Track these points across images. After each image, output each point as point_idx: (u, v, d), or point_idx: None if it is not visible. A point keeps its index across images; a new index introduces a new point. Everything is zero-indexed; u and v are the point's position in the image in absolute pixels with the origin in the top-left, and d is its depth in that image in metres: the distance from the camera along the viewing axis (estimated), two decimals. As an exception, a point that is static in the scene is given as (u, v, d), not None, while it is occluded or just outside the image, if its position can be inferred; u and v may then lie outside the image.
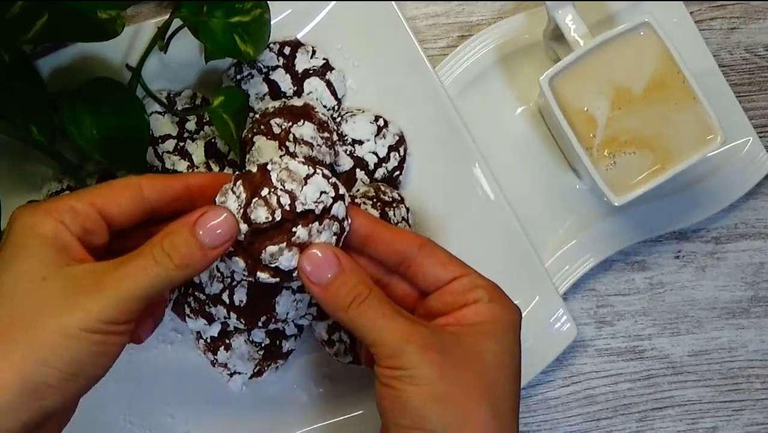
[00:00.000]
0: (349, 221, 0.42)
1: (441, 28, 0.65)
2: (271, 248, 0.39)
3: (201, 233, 0.38)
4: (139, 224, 0.42)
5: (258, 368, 0.60)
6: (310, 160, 0.43)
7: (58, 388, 0.36)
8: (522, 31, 0.63)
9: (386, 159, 0.60)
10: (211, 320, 0.58)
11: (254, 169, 0.40)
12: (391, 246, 0.43)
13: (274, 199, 0.39)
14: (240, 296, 0.55)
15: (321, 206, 0.40)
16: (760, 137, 0.63)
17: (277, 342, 0.60)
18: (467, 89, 0.63)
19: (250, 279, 0.41)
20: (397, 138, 0.60)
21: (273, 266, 0.40)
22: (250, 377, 0.60)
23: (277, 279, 0.40)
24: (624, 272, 0.65)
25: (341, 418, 0.62)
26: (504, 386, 0.40)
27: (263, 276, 0.40)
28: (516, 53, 0.63)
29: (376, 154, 0.59)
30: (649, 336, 0.65)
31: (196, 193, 0.42)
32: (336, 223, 0.41)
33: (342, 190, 0.41)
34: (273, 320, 0.57)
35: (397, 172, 0.60)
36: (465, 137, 0.60)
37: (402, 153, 0.61)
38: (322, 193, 0.40)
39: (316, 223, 0.40)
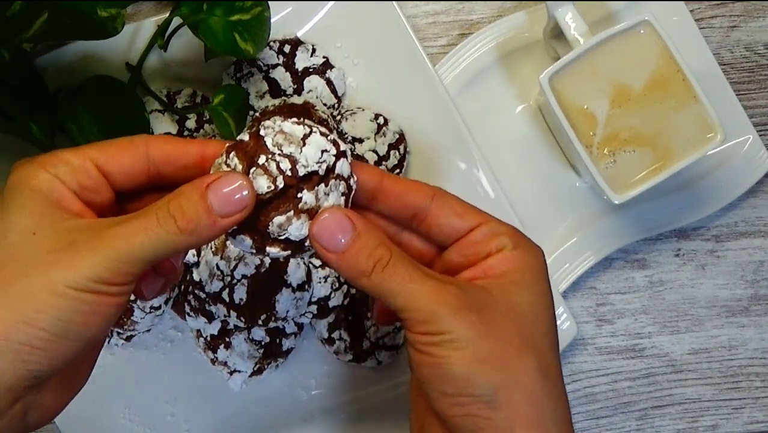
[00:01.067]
0: (355, 178, 0.39)
1: (441, 26, 0.65)
2: (278, 219, 0.36)
3: (212, 198, 0.35)
4: (152, 189, 0.40)
5: (258, 366, 0.60)
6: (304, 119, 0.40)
7: (45, 350, 0.33)
8: (522, 30, 0.63)
9: (386, 157, 0.60)
10: (211, 318, 0.58)
11: (246, 137, 0.37)
12: (402, 199, 0.39)
13: (273, 166, 0.36)
14: (240, 295, 0.55)
15: (324, 166, 0.37)
16: (760, 135, 0.63)
17: (277, 340, 0.60)
18: (467, 87, 0.63)
19: (260, 256, 0.38)
20: (397, 136, 0.60)
21: (282, 237, 0.37)
22: (250, 376, 0.60)
23: (289, 252, 0.37)
24: (624, 270, 0.65)
25: (341, 417, 0.62)
26: (544, 338, 0.38)
27: (273, 251, 0.37)
28: (516, 51, 0.63)
29: (376, 152, 0.59)
30: (649, 334, 0.65)
31: (211, 163, 0.39)
32: (342, 182, 0.38)
33: (343, 146, 0.38)
34: (273, 318, 0.57)
35: (397, 171, 0.60)
36: (465, 135, 0.60)
37: (402, 151, 0.61)
38: (323, 152, 0.37)
39: (322, 185, 0.37)
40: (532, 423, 0.36)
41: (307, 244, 0.37)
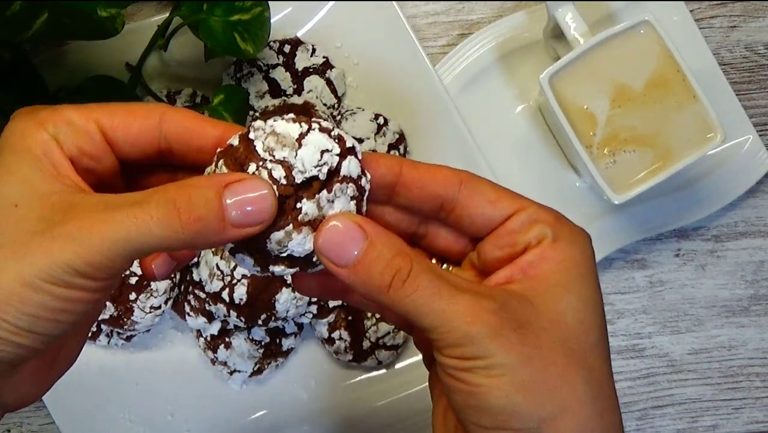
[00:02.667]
0: (368, 176, 0.34)
1: (441, 26, 0.65)
2: (276, 235, 0.32)
3: (230, 201, 0.30)
4: (162, 165, 0.35)
5: (258, 366, 0.60)
6: (305, 115, 0.35)
7: (7, 341, 0.30)
8: (522, 30, 0.63)
9: (386, 157, 0.60)
10: (211, 318, 0.58)
11: (236, 141, 0.32)
12: (425, 190, 0.34)
13: (264, 175, 0.31)
14: (240, 294, 0.55)
15: (326, 169, 0.32)
16: (760, 135, 0.63)
17: (277, 340, 0.60)
18: (467, 87, 0.63)
19: (267, 275, 0.34)
20: (397, 136, 0.60)
21: (285, 255, 0.32)
22: (250, 376, 0.60)
23: (297, 268, 0.33)
24: (624, 270, 0.65)
25: (341, 416, 0.62)
26: (594, 350, 0.33)
27: (278, 269, 0.33)
28: (516, 51, 0.63)
29: (375, 152, 0.59)
30: (649, 334, 0.65)
31: None
32: (350, 184, 0.33)
33: (350, 141, 0.33)
34: (273, 318, 0.57)
35: (397, 171, 0.60)
36: (465, 135, 0.60)
37: (402, 151, 0.61)
38: (323, 152, 0.32)
39: (324, 191, 0.32)
40: None
41: (315, 258, 0.33)
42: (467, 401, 0.32)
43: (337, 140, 0.32)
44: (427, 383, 0.38)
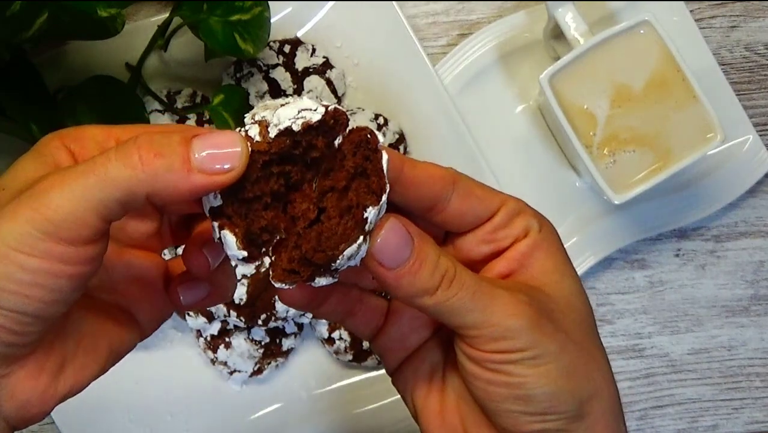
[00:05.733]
0: (389, 184, 0.31)
1: (441, 27, 0.65)
2: (349, 250, 0.30)
3: (195, 144, 0.28)
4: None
5: (258, 366, 0.60)
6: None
7: None
8: (522, 30, 0.63)
9: (386, 157, 0.60)
10: (211, 318, 0.58)
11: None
12: (422, 189, 0.33)
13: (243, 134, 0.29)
14: (240, 294, 0.55)
15: (301, 121, 0.29)
16: (760, 135, 0.63)
17: (277, 340, 0.60)
18: (467, 87, 0.63)
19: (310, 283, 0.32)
20: (397, 136, 0.60)
21: (342, 268, 0.30)
22: (250, 376, 0.60)
23: (336, 278, 0.31)
24: (624, 270, 0.65)
25: (341, 416, 0.62)
26: (595, 326, 0.35)
27: (323, 281, 0.31)
28: (516, 51, 0.63)
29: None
30: (649, 334, 0.65)
31: None
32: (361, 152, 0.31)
33: (340, 110, 0.30)
34: (273, 318, 0.57)
35: (397, 171, 0.60)
36: (465, 135, 0.60)
37: (402, 151, 0.61)
38: (302, 110, 0.30)
39: (372, 208, 0.30)
40: (611, 428, 0.34)
41: (353, 264, 0.30)
42: (512, 392, 0.32)
43: (325, 107, 0.30)
44: None
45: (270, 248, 0.31)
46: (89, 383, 0.34)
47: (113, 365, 0.35)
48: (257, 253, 0.30)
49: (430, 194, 0.34)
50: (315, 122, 0.29)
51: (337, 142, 0.31)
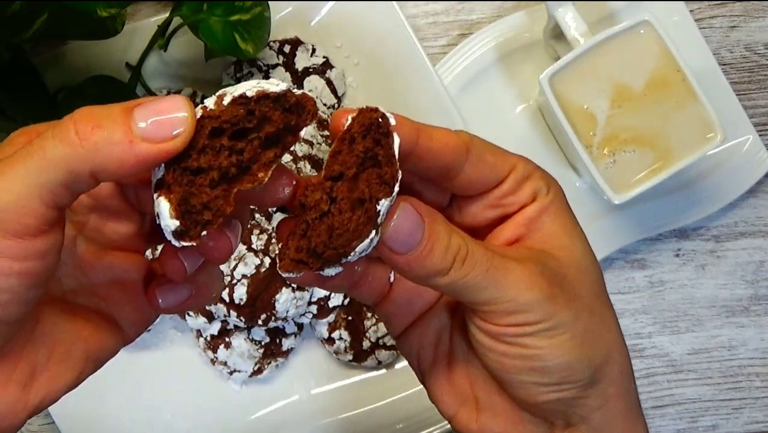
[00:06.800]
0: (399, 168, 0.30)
1: (441, 26, 0.65)
2: (362, 246, 0.29)
3: (136, 113, 0.26)
4: None
5: (258, 366, 0.60)
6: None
7: None
8: (522, 30, 0.63)
9: (386, 157, 0.60)
10: (211, 318, 0.58)
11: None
12: (437, 160, 0.33)
13: (199, 110, 0.28)
14: (240, 294, 0.55)
15: (255, 90, 0.28)
16: (760, 135, 0.63)
17: (277, 340, 0.60)
18: (467, 87, 0.63)
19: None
20: (397, 136, 0.60)
21: (353, 261, 0.30)
22: (250, 375, 0.60)
23: (342, 268, 0.31)
24: (624, 270, 0.65)
25: (341, 416, 0.62)
26: (604, 286, 0.35)
27: (332, 271, 0.30)
28: (516, 51, 0.63)
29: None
30: (649, 334, 0.65)
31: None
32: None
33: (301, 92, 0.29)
34: (273, 318, 0.57)
35: (397, 171, 0.60)
36: (465, 135, 0.60)
37: (402, 151, 0.61)
38: (260, 82, 0.29)
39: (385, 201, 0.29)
40: (622, 393, 0.34)
41: (362, 253, 0.29)
42: (528, 364, 0.32)
43: (291, 88, 0.29)
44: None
45: (209, 229, 0.29)
46: (65, 393, 0.32)
47: (93, 372, 0.33)
48: (193, 229, 0.28)
49: (444, 164, 0.33)
50: (272, 93, 0.28)
51: (302, 132, 0.29)
